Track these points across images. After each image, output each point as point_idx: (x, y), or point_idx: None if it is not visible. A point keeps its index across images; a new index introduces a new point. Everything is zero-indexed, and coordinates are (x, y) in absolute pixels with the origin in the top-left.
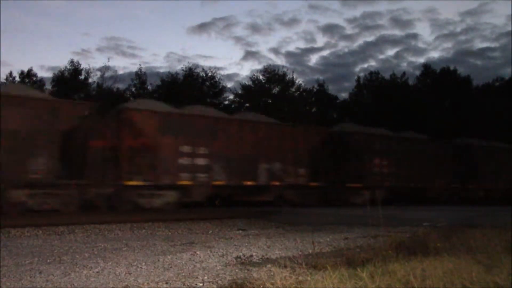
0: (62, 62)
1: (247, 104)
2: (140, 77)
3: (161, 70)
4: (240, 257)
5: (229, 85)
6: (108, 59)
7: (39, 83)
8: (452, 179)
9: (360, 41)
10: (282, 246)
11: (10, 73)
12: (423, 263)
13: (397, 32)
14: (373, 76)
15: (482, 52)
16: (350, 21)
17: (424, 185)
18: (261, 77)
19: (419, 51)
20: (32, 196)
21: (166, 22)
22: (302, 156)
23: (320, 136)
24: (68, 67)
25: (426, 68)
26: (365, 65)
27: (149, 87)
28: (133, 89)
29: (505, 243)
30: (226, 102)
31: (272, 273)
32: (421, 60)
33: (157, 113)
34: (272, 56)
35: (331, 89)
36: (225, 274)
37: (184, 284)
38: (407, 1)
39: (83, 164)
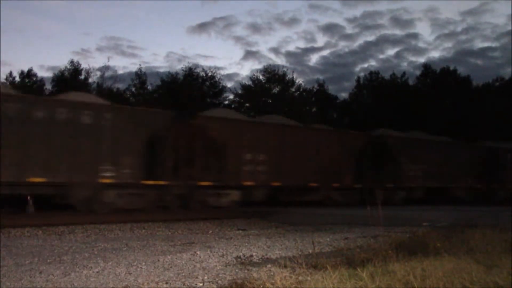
0: (62, 62)
1: (247, 104)
2: (140, 77)
3: (161, 70)
4: (240, 257)
5: (229, 85)
6: (108, 59)
7: (39, 83)
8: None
9: (360, 41)
10: (282, 246)
11: (10, 73)
12: (423, 263)
13: (398, 32)
14: (373, 76)
15: (482, 51)
16: (350, 20)
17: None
18: (261, 77)
19: (419, 51)
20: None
21: (166, 22)
22: None
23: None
24: (68, 67)
25: (426, 68)
26: (365, 65)
27: (149, 87)
28: (133, 89)
29: (505, 243)
30: (226, 102)
31: (272, 273)
32: (422, 59)
33: None
34: (272, 56)
35: (331, 89)
36: (225, 274)
37: (184, 284)
38: (408, 1)
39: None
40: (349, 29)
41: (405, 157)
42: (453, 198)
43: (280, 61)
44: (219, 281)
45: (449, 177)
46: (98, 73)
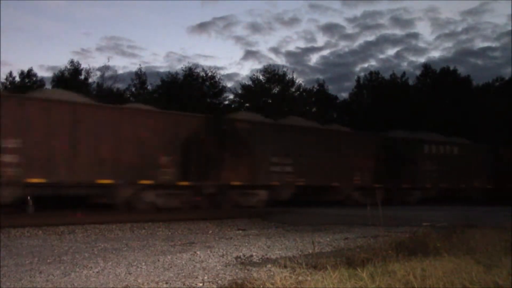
0: (62, 62)
1: (247, 104)
2: (140, 77)
3: (161, 70)
4: (240, 257)
5: (229, 85)
6: (108, 58)
7: (39, 83)
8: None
9: (360, 41)
10: (282, 246)
11: (10, 73)
12: (423, 263)
13: (398, 32)
14: (373, 76)
15: (482, 51)
16: (351, 20)
17: None
18: (261, 77)
19: (419, 51)
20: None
21: (166, 22)
22: None
23: None
24: (68, 67)
25: (426, 68)
26: (366, 65)
27: (149, 87)
28: (133, 89)
29: (505, 243)
30: (226, 102)
31: (272, 273)
32: (422, 59)
33: None
34: (272, 55)
35: (331, 89)
36: (225, 274)
37: (184, 284)
38: (408, 1)
39: None
40: (349, 29)
41: (264, 149)
42: (337, 200)
43: (280, 61)
44: (219, 281)
45: (330, 174)
46: (98, 73)
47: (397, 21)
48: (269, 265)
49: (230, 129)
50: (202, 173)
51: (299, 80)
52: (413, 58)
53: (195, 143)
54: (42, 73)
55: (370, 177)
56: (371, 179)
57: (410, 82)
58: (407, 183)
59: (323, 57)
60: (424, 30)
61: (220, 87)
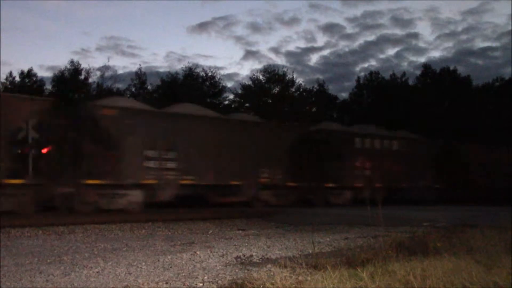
0: (62, 62)
1: (247, 104)
2: (140, 77)
3: (161, 70)
4: (240, 257)
5: (229, 85)
6: (108, 59)
7: (39, 83)
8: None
9: (360, 41)
10: (282, 246)
11: (10, 73)
12: (423, 263)
13: (398, 32)
14: (373, 76)
15: (483, 51)
16: (351, 20)
17: None
18: (261, 77)
19: (419, 51)
20: None
21: (166, 22)
22: None
23: None
24: (68, 67)
25: (426, 68)
26: (366, 65)
27: (149, 87)
28: (133, 89)
29: (505, 243)
30: (226, 102)
31: (272, 273)
32: (422, 59)
33: None
34: (272, 55)
35: (331, 89)
36: (225, 274)
37: (184, 284)
38: (408, 0)
39: None
40: (349, 29)
41: (136, 140)
42: (241, 201)
43: (280, 61)
44: (219, 281)
45: (229, 171)
46: (98, 73)
47: (397, 21)
48: (269, 265)
49: (88, 116)
50: (43, 169)
51: (299, 80)
52: (413, 58)
53: (35, 132)
54: (42, 73)
55: (283, 174)
56: (284, 177)
57: (410, 82)
58: (331, 182)
59: (323, 57)
60: (424, 30)
61: (220, 87)
